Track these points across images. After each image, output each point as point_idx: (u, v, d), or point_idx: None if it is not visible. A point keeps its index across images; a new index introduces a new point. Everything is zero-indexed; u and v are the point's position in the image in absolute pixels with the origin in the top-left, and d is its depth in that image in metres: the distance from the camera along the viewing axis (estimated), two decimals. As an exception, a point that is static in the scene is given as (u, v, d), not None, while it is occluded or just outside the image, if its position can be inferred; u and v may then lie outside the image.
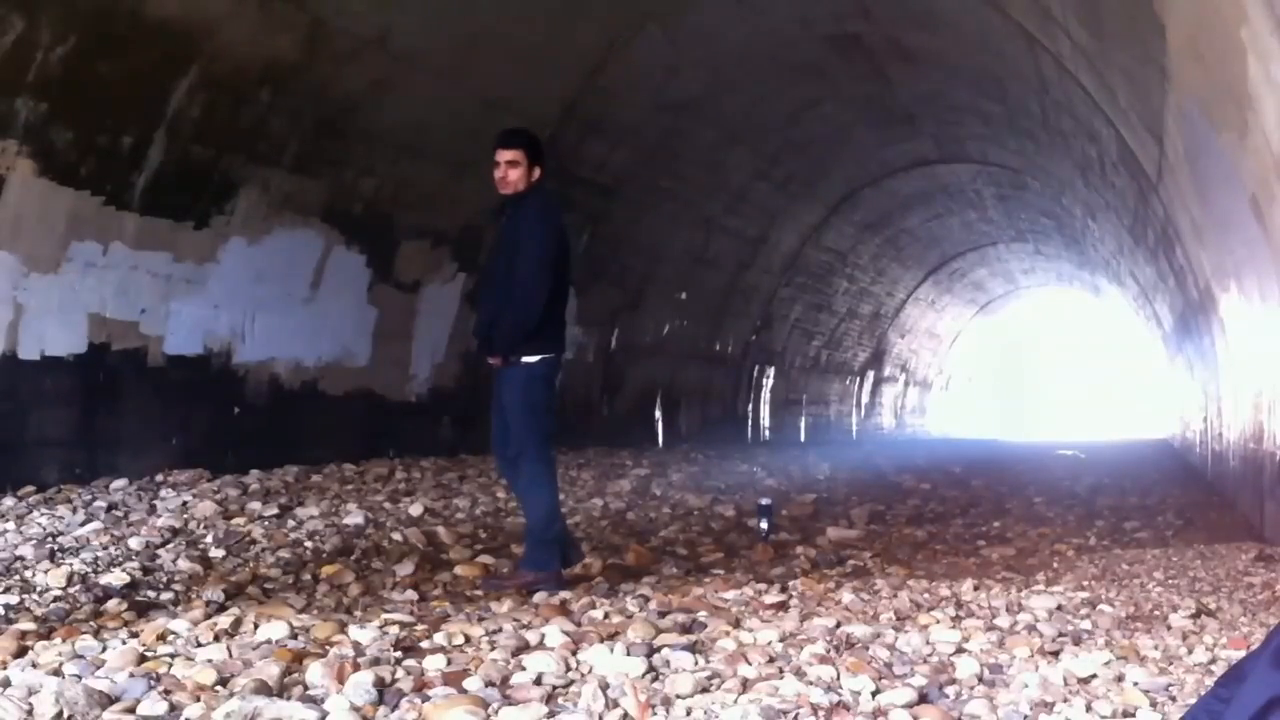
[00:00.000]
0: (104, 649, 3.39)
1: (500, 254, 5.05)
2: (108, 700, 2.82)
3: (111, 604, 4.19)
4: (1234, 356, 7.77)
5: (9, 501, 6.12)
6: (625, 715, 2.83)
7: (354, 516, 6.44)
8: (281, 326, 8.61)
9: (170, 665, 3.16)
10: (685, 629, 3.81)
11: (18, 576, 4.61)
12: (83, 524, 5.66)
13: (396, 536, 6.04)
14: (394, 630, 3.65)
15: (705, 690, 3.04)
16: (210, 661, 3.18)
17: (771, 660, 3.34)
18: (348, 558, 5.47)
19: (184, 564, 5.03)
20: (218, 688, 2.94)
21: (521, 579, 4.85)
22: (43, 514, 5.82)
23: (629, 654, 3.35)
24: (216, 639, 3.51)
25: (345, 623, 3.78)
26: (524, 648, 3.49)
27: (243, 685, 2.90)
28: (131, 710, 2.78)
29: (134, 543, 5.33)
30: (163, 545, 5.39)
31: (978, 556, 6.22)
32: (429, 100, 8.94)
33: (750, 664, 3.29)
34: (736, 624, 3.91)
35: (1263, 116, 4.26)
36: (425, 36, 8.48)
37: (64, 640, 3.51)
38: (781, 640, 3.62)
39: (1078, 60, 7.57)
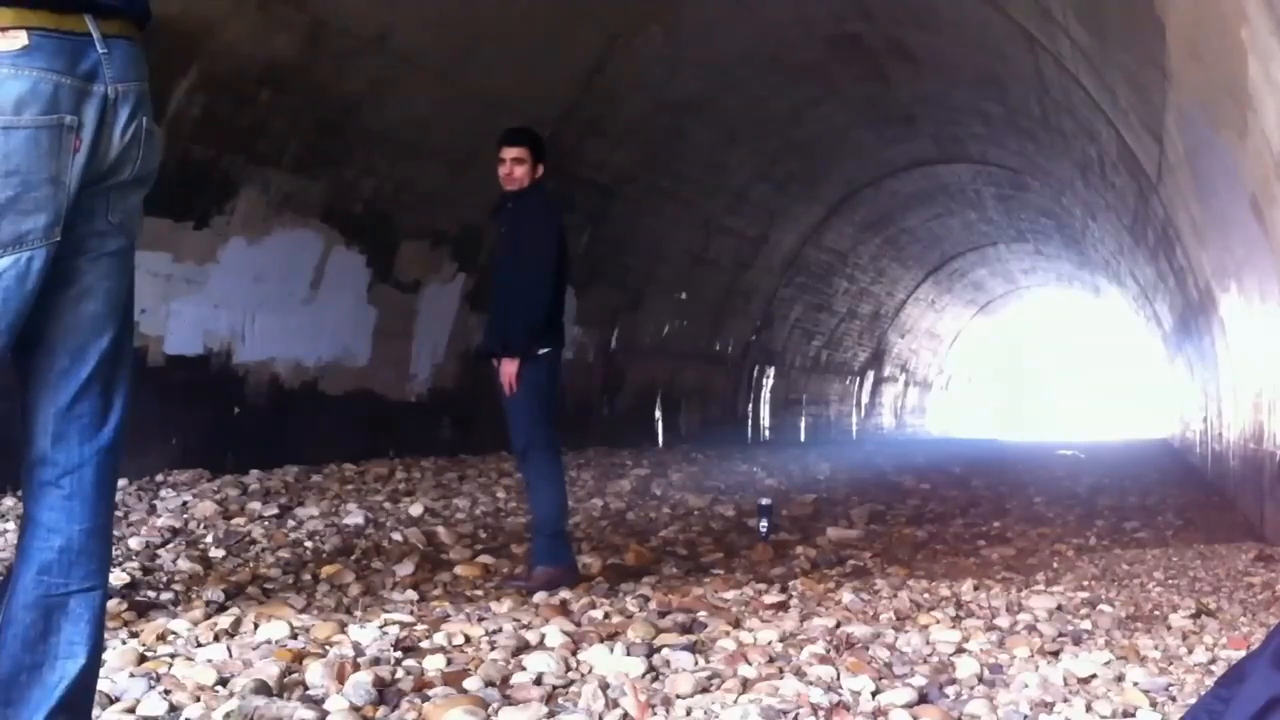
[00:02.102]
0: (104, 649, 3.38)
1: (504, 248, 5.12)
2: (108, 700, 2.82)
3: (111, 604, 4.17)
4: (1234, 356, 7.78)
5: (9, 501, 6.11)
6: (625, 715, 2.83)
7: (354, 516, 6.44)
8: (281, 326, 8.61)
9: (170, 665, 3.16)
10: (685, 629, 3.81)
11: (18, 576, 4.61)
12: (83, 524, 5.65)
13: (396, 536, 6.04)
14: (394, 630, 3.65)
15: (705, 690, 3.04)
16: (210, 661, 3.18)
17: (771, 660, 3.35)
18: (348, 558, 5.46)
19: (184, 564, 5.02)
20: (218, 688, 2.94)
21: (542, 576, 4.83)
22: (43, 514, 5.80)
23: (629, 654, 3.35)
24: (216, 639, 3.50)
25: (345, 623, 3.78)
26: (524, 648, 3.48)
27: (243, 685, 2.90)
28: (131, 710, 2.78)
29: (134, 543, 5.32)
30: (163, 545, 5.38)
31: (978, 556, 6.22)
32: (429, 100, 8.94)
33: (750, 664, 3.29)
34: (736, 624, 3.91)
35: (1263, 116, 4.27)
36: (425, 36, 8.48)
37: (64, 640, 3.50)
38: (781, 640, 3.62)
39: (1078, 60, 7.57)
